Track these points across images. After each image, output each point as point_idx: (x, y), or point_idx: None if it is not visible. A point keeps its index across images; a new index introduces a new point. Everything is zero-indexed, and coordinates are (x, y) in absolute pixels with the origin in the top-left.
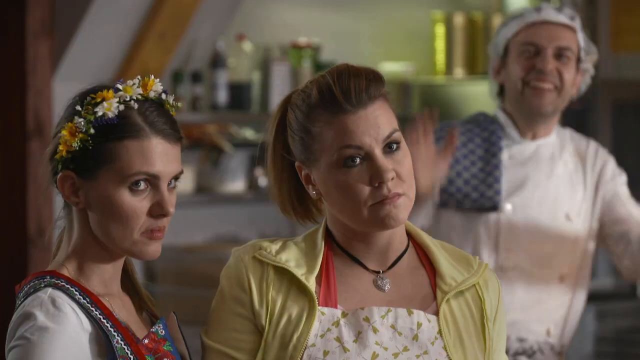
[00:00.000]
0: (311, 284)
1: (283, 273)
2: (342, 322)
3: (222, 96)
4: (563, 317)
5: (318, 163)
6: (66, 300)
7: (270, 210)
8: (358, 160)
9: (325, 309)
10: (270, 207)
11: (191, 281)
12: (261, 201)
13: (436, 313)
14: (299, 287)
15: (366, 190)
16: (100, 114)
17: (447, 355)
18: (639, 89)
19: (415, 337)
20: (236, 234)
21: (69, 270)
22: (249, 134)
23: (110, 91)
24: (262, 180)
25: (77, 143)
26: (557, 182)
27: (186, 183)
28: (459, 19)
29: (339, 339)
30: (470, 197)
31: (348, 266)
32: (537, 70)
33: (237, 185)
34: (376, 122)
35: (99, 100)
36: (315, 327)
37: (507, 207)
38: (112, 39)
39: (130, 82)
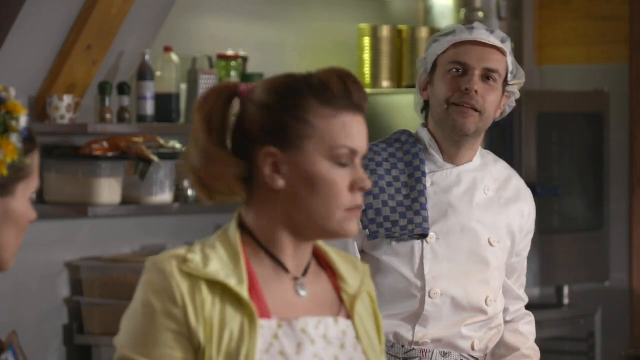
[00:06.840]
0: (246, 295)
1: (215, 285)
2: (280, 333)
3: (149, 107)
4: (486, 332)
5: (301, 151)
6: None
7: (197, 221)
8: (349, 163)
9: (263, 321)
10: (197, 217)
11: (118, 292)
12: (188, 212)
13: (348, 317)
14: (233, 299)
15: (345, 193)
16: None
17: (367, 358)
18: (563, 100)
19: (342, 346)
20: (163, 245)
21: None
22: (175, 145)
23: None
24: (189, 191)
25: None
26: (478, 208)
27: (113, 194)
28: (384, 32)
29: (282, 353)
30: (399, 225)
31: (266, 269)
32: (462, 90)
33: (163, 196)
34: (366, 131)
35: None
36: (259, 341)
37: (431, 235)
38: (38, 50)
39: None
